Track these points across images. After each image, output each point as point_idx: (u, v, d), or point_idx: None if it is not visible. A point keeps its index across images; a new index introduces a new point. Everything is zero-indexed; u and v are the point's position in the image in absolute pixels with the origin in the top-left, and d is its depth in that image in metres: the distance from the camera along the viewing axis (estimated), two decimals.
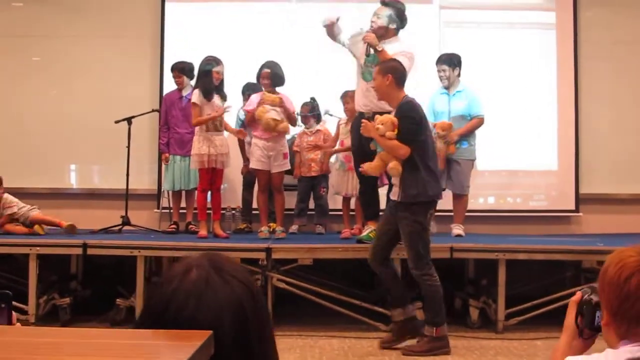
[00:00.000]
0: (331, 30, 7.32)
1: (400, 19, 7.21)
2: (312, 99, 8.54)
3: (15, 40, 9.45)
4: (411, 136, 6.00)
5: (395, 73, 6.20)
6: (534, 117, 9.22)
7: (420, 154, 6.03)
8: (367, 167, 6.50)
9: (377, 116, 6.40)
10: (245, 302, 1.53)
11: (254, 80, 8.29)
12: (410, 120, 6.03)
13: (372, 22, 7.18)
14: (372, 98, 6.94)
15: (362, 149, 6.92)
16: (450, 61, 8.26)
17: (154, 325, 1.49)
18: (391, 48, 7.00)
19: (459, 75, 8.27)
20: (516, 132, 9.16)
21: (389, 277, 6.36)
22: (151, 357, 1.28)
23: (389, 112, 6.51)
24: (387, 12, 7.16)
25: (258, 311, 1.56)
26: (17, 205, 7.84)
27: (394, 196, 6.20)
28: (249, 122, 7.98)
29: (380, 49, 6.87)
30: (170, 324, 1.45)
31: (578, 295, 2.42)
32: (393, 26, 7.17)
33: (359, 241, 7.09)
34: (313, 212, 8.70)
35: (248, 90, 8.37)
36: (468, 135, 8.15)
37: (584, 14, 9.56)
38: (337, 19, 7.28)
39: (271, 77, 7.79)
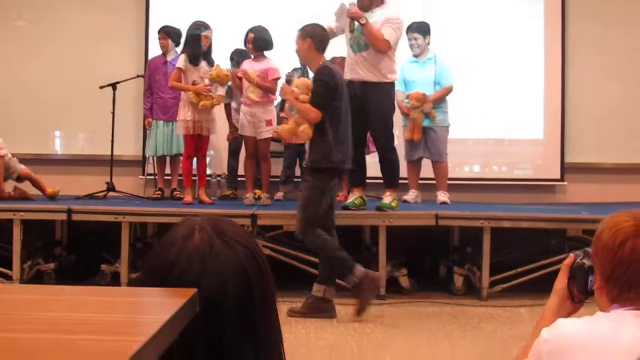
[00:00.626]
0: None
1: None
2: (303, 65, 8.51)
3: None
4: (322, 100, 6.05)
5: (315, 37, 6.25)
6: (521, 85, 9.20)
7: (331, 120, 6.08)
8: (280, 129, 6.69)
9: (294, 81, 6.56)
10: (249, 267, 1.52)
11: (242, 47, 8.27)
12: (324, 84, 6.09)
13: None
14: (358, 68, 7.04)
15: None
16: (422, 29, 8.26)
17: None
18: (378, 15, 6.98)
19: (428, 43, 8.27)
20: (503, 100, 9.14)
21: (330, 247, 6.23)
22: (135, 313, 1.27)
23: (377, 83, 6.59)
24: None
25: (262, 277, 1.54)
26: (7, 150, 7.80)
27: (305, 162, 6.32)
28: (237, 88, 7.95)
29: (364, 22, 6.85)
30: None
31: (570, 258, 2.42)
32: None
33: (345, 208, 7.10)
34: (299, 180, 8.70)
35: (236, 56, 8.35)
36: (439, 102, 8.18)
37: None
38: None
39: (255, 41, 7.78)
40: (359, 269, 6.05)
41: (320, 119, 6.04)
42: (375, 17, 6.97)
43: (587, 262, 2.33)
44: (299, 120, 6.27)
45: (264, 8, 9.19)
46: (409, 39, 8.23)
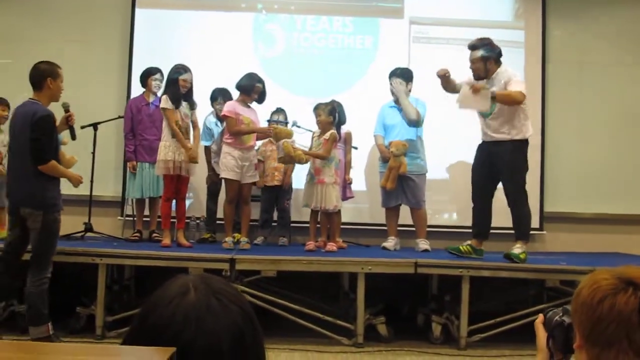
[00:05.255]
0: (446, 83, 7.47)
1: (493, 50, 7.27)
2: (280, 109, 8.57)
3: None
4: None
5: None
6: None
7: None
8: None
9: None
10: (243, 327, 1.50)
11: (221, 86, 8.35)
12: None
13: (470, 68, 7.33)
14: (489, 131, 7.30)
15: (484, 173, 7.34)
16: (405, 75, 8.33)
17: (148, 345, 1.44)
18: (500, 80, 7.16)
19: (410, 90, 8.33)
20: None
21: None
22: None
23: (504, 141, 7.10)
24: (479, 52, 7.23)
25: (255, 336, 1.53)
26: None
27: None
28: (229, 130, 7.85)
29: (494, 94, 6.98)
30: (167, 347, 1.40)
31: (540, 317, 2.41)
32: (491, 63, 7.23)
33: (508, 257, 7.20)
34: (276, 223, 8.72)
35: (220, 95, 8.38)
36: (417, 150, 8.31)
37: (552, 33, 9.66)
38: (448, 72, 7.42)
39: (262, 94, 7.91)
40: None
41: None
42: (498, 84, 7.14)
43: (567, 319, 2.32)
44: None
45: (244, 51, 9.30)
46: (392, 84, 8.29)
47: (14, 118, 6.25)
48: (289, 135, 7.86)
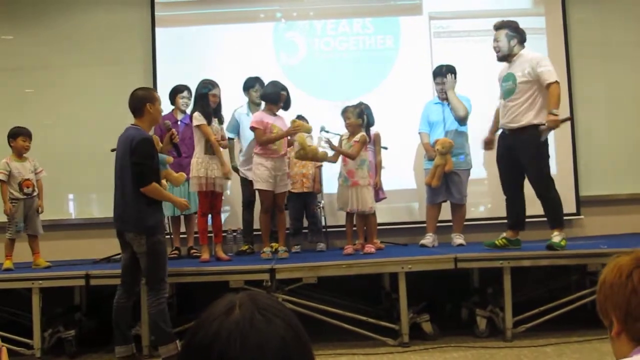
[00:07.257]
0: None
1: (518, 32, 7.27)
2: (300, 116, 8.58)
3: (7, 73, 9.45)
4: None
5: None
6: None
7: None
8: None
9: None
10: (290, 342, 1.50)
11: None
12: None
13: (494, 47, 7.35)
14: (505, 114, 7.21)
15: (509, 163, 7.31)
16: (449, 72, 8.31)
17: None
18: (522, 61, 7.16)
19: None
20: None
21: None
22: None
23: (523, 127, 6.98)
24: (503, 32, 7.25)
25: (303, 349, 1.53)
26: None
27: None
28: (258, 142, 7.78)
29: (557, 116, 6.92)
30: None
31: None
32: (514, 42, 7.23)
33: (550, 247, 7.11)
34: (306, 231, 8.74)
35: (256, 83, 8.58)
36: (461, 146, 8.29)
37: (573, 16, 9.60)
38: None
39: (287, 101, 7.96)
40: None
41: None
42: (521, 67, 7.14)
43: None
44: None
45: (266, 61, 9.35)
46: (437, 83, 8.30)
47: (118, 145, 6.33)
48: (308, 130, 7.81)
